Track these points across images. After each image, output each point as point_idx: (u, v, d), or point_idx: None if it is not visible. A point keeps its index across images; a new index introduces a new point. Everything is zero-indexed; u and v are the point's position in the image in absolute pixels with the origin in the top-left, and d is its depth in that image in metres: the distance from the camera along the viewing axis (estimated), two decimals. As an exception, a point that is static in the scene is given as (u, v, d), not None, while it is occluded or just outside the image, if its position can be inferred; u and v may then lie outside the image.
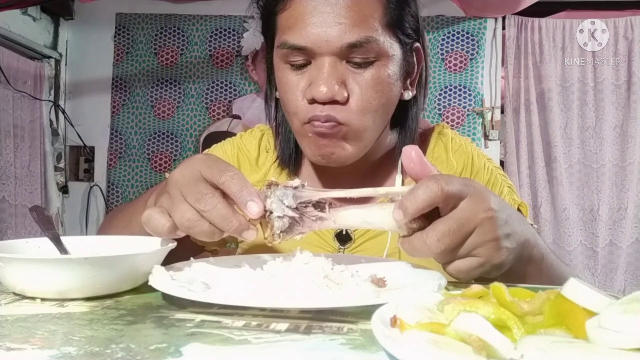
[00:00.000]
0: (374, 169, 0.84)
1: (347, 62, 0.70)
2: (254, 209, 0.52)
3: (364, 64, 0.70)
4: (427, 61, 0.82)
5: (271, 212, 0.53)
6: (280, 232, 0.54)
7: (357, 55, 0.69)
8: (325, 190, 0.56)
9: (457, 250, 0.52)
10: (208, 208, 0.51)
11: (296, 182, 0.55)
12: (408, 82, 0.79)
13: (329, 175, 0.84)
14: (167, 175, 0.91)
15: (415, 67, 0.79)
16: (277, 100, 0.81)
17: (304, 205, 0.55)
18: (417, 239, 0.51)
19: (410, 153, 0.54)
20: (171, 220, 0.54)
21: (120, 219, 0.77)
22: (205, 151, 0.93)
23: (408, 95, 0.79)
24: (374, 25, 0.70)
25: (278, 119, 0.83)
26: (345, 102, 0.70)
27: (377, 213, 0.54)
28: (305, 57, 0.71)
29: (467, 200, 0.51)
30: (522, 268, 0.64)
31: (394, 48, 0.72)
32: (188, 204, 0.53)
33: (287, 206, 0.53)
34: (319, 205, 0.55)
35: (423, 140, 0.86)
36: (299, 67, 0.72)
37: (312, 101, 0.70)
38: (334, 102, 0.69)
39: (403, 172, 0.82)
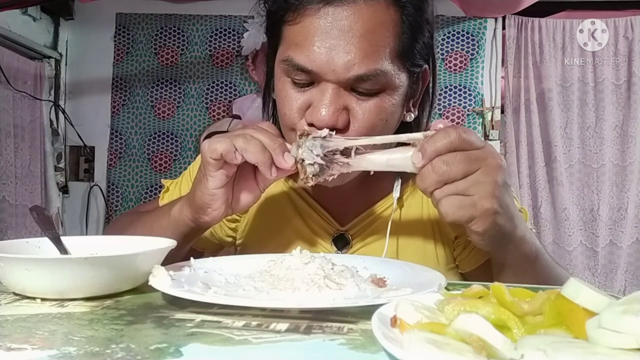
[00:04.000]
0: (372, 178, 0.80)
1: (351, 90, 0.68)
2: (289, 159, 0.62)
3: (369, 94, 0.68)
4: (434, 83, 0.79)
5: (303, 160, 0.62)
6: (313, 175, 0.62)
7: (363, 86, 0.67)
8: (350, 138, 0.63)
9: (456, 184, 0.57)
10: (255, 130, 0.62)
11: (324, 131, 0.62)
12: (411, 103, 0.76)
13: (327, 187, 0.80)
14: (163, 181, 0.90)
15: (421, 87, 0.77)
16: (274, 101, 0.78)
17: (332, 152, 0.62)
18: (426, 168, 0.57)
19: (437, 125, 0.60)
20: (228, 140, 0.61)
21: (138, 227, 0.75)
22: None
23: (410, 117, 0.76)
24: (384, 57, 0.67)
25: (275, 119, 0.80)
26: (345, 128, 0.68)
27: (400, 156, 0.60)
28: (309, 79, 0.68)
29: (482, 149, 0.58)
30: (515, 260, 0.65)
31: (401, 79, 0.70)
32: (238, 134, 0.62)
33: (316, 155, 0.61)
34: (346, 151, 0.63)
35: None
36: (301, 86, 0.69)
37: (311, 124, 0.67)
38: (332, 128, 0.66)
39: (402, 177, 0.82)
